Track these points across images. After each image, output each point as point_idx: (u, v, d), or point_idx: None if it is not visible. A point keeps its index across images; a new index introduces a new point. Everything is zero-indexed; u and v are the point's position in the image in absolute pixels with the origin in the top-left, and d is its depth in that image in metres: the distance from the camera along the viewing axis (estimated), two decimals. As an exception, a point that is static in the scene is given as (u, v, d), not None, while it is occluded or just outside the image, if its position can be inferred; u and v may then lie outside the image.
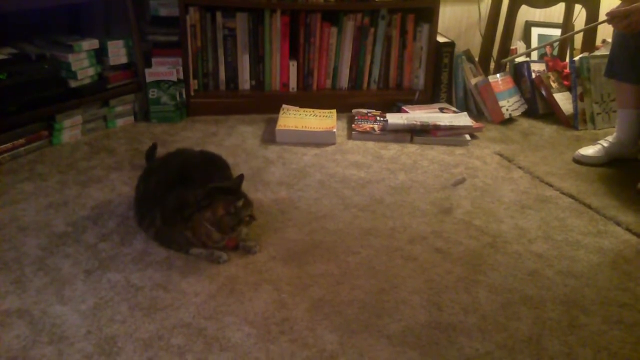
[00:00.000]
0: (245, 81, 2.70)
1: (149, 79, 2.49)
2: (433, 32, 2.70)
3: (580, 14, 2.96)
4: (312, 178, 2.07)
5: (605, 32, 2.81)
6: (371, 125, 2.49)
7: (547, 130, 2.61)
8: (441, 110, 2.64)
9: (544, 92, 2.72)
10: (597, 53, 2.67)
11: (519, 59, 2.85)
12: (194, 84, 2.64)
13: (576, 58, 2.67)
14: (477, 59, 2.92)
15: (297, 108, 2.60)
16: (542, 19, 3.35)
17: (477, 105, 2.75)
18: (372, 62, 2.76)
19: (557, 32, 3.18)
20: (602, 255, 1.66)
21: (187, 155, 1.85)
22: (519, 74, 2.80)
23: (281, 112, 2.54)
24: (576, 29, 2.95)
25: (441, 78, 2.78)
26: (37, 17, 2.43)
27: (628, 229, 1.78)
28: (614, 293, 1.49)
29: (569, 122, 2.64)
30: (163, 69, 2.50)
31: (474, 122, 2.49)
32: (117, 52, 2.43)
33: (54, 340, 1.26)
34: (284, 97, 2.69)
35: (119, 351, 1.23)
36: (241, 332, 1.30)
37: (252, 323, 1.33)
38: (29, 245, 1.60)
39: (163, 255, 1.58)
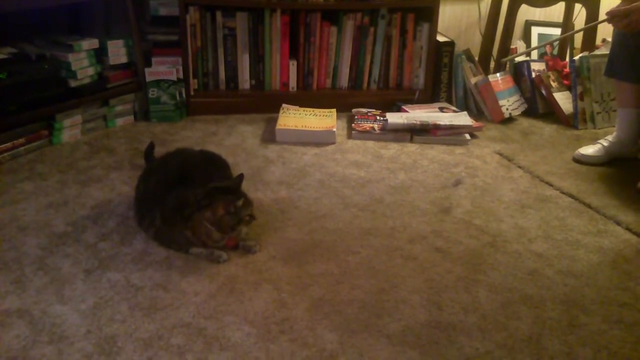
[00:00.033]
0: (245, 81, 2.70)
1: (148, 79, 2.49)
2: (433, 31, 2.70)
3: (580, 13, 2.96)
4: (312, 177, 2.07)
5: (605, 32, 2.81)
6: (371, 125, 2.49)
7: (547, 129, 2.61)
8: (441, 109, 2.64)
9: (544, 92, 2.72)
10: (597, 52, 2.67)
11: (519, 58, 2.85)
12: (193, 83, 2.64)
13: (576, 57, 2.67)
14: (477, 58, 2.92)
15: (297, 107, 2.60)
16: (542, 18, 3.34)
17: (477, 105, 2.75)
18: (372, 62, 2.76)
19: (557, 32, 3.18)
20: (602, 254, 1.66)
21: (187, 154, 1.85)
22: (519, 73, 2.80)
23: (281, 111, 2.54)
24: (576, 28, 2.95)
25: (441, 77, 2.78)
26: (37, 17, 2.43)
27: (628, 229, 1.78)
28: (614, 292, 1.49)
29: (569, 122, 2.64)
30: (163, 69, 2.50)
31: (474, 122, 2.49)
32: (117, 52, 2.43)
33: (54, 340, 1.26)
34: (283, 96, 2.69)
35: (119, 351, 1.23)
36: (241, 331, 1.30)
37: (252, 322, 1.33)
38: (28, 244, 1.60)
39: (163, 254, 1.58)
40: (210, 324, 1.32)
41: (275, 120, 2.47)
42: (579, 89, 2.61)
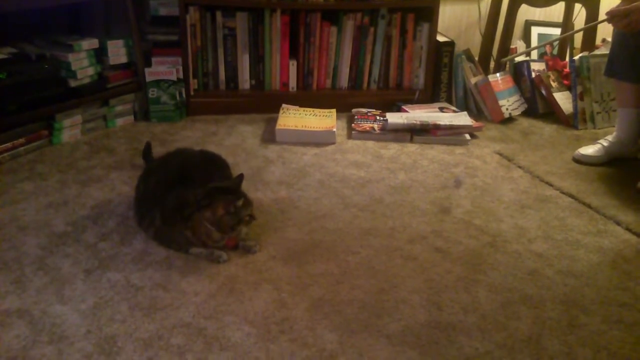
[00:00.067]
0: (245, 81, 2.70)
1: (148, 79, 2.49)
2: (433, 31, 2.70)
3: (580, 13, 2.96)
4: (311, 177, 2.07)
5: (605, 31, 2.81)
6: (371, 125, 2.49)
7: (547, 129, 2.61)
8: (441, 109, 2.64)
9: (543, 92, 2.72)
10: (597, 52, 2.67)
11: (518, 58, 2.85)
12: (193, 83, 2.64)
13: (576, 57, 2.67)
14: (477, 58, 2.92)
15: (297, 107, 2.60)
16: (542, 18, 3.34)
17: (477, 105, 2.75)
18: (372, 62, 2.76)
19: (557, 32, 3.18)
20: (602, 254, 1.66)
21: (187, 154, 1.85)
22: (518, 73, 2.80)
23: (281, 111, 2.54)
24: (576, 28, 2.95)
25: (441, 77, 2.78)
26: (37, 17, 2.43)
27: (628, 229, 1.78)
28: (614, 293, 1.49)
29: (568, 122, 2.64)
30: (163, 69, 2.50)
31: (474, 122, 2.49)
32: (117, 52, 2.43)
33: (53, 340, 1.26)
34: (283, 96, 2.69)
35: (119, 351, 1.23)
36: (241, 331, 1.30)
37: (252, 322, 1.33)
38: (28, 244, 1.60)
39: (163, 254, 1.58)
40: (210, 324, 1.32)
41: (275, 120, 2.47)
42: (579, 88, 2.61)
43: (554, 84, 2.72)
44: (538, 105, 2.74)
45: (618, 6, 1.98)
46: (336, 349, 1.26)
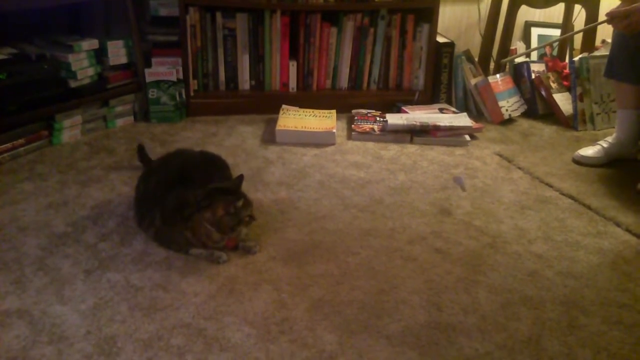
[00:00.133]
0: (245, 81, 2.71)
1: (148, 79, 2.49)
2: (433, 32, 2.70)
3: (580, 14, 2.97)
4: (311, 178, 2.07)
5: (605, 33, 2.81)
6: (371, 126, 2.49)
7: (546, 130, 2.61)
8: (441, 110, 2.64)
9: (543, 93, 2.72)
10: (596, 53, 2.67)
11: (518, 59, 2.85)
12: (193, 84, 2.64)
13: (576, 58, 2.67)
14: (476, 59, 2.92)
15: (297, 108, 2.60)
16: (541, 19, 3.35)
17: (477, 106, 2.75)
18: (371, 63, 2.76)
19: (556, 33, 3.18)
20: (601, 256, 1.66)
21: (187, 155, 1.85)
22: (518, 74, 2.80)
23: (281, 112, 2.54)
24: (576, 29, 2.95)
25: (441, 78, 2.78)
26: (37, 17, 2.43)
27: (628, 230, 1.79)
28: (614, 294, 1.49)
29: (568, 123, 2.65)
30: (163, 69, 2.50)
31: (474, 123, 2.49)
32: (117, 52, 2.43)
33: (53, 340, 1.26)
34: (283, 97, 2.69)
35: (119, 351, 1.23)
36: (241, 332, 1.30)
37: (251, 323, 1.33)
38: (28, 245, 1.60)
39: (163, 255, 1.58)
40: (210, 325, 1.32)
41: (275, 121, 2.47)
42: (579, 90, 2.61)
43: (553, 85, 2.72)
44: (538, 107, 2.74)
45: (618, 7, 1.99)
46: (336, 349, 1.26)
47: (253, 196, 1.74)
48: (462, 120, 2.48)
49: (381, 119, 2.54)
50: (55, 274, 1.48)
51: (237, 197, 1.54)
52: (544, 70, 2.77)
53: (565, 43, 3.07)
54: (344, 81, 2.77)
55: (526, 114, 2.75)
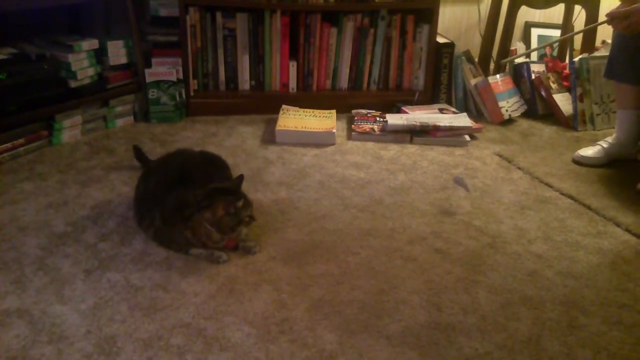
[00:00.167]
0: (245, 81, 2.71)
1: (148, 79, 2.49)
2: (433, 32, 2.70)
3: (580, 15, 2.97)
4: (311, 178, 2.07)
5: (605, 33, 2.81)
6: (371, 126, 2.49)
7: (546, 131, 2.61)
8: (441, 110, 2.64)
9: (543, 93, 2.72)
10: (596, 54, 2.68)
11: (518, 60, 2.85)
12: (193, 84, 2.64)
13: (576, 59, 2.67)
14: (476, 60, 2.92)
15: (296, 108, 2.60)
16: (541, 20, 3.35)
17: (477, 106, 2.75)
18: (372, 63, 2.76)
19: (556, 33, 3.19)
20: (601, 256, 1.66)
21: (187, 155, 1.85)
22: (518, 74, 2.80)
23: (281, 112, 2.54)
24: (576, 29, 2.95)
25: (441, 79, 2.78)
26: (37, 17, 2.43)
27: (627, 230, 1.79)
28: (614, 294, 1.49)
29: (568, 123, 2.65)
30: (163, 69, 2.50)
31: (474, 123, 2.49)
32: (117, 52, 2.43)
33: (53, 339, 1.26)
34: (283, 97, 2.69)
35: (119, 351, 1.23)
36: (241, 332, 1.30)
37: (251, 323, 1.33)
38: (28, 245, 1.60)
39: (163, 255, 1.58)
40: (210, 325, 1.32)
41: (275, 121, 2.47)
42: (579, 90, 2.61)
43: (553, 86, 2.72)
44: (538, 107, 2.74)
45: (618, 8, 1.99)
46: (336, 349, 1.26)
47: (253, 196, 1.75)
48: (462, 120, 2.48)
49: (381, 119, 2.54)
50: (55, 274, 1.48)
51: (237, 197, 1.54)
52: (544, 71, 2.77)
53: (565, 43, 3.07)
54: (344, 81, 2.77)
55: (526, 115, 2.75)
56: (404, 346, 1.28)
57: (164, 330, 1.29)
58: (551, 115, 2.72)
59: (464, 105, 2.79)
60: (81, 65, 2.29)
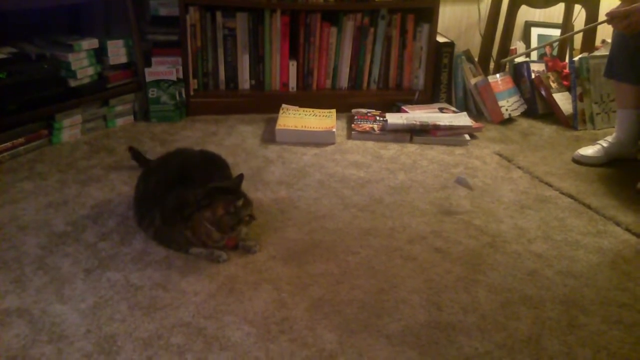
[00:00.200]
0: (245, 81, 2.71)
1: (148, 79, 2.49)
2: (433, 32, 2.70)
3: (580, 14, 2.97)
4: (311, 178, 2.07)
5: (605, 33, 2.81)
6: (371, 125, 2.49)
7: (546, 130, 2.61)
8: (441, 110, 2.64)
9: (543, 92, 2.72)
10: (596, 53, 2.67)
11: (518, 59, 2.85)
12: (193, 83, 2.64)
13: (576, 58, 2.67)
14: (476, 59, 2.92)
15: (296, 108, 2.60)
16: (541, 19, 3.35)
17: (477, 105, 2.75)
18: (371, 62, 2.76)
19: (556, 32, 3.19)
20: (601, 255, 1.66)
21: (187, 154, 1.85)
22: (518, 74, 2.80)
23: (281, 111, 2.54)
24: (576, 29, 2.95)
25: (441, 78, 2.78)
26: (37, 17, 2.43)
27: (627, 229, 1.79)
28: (613, 293, 1.49)
29: (568, 122, 2.65)
30: (163, 69, 2.50)
31: (474, 122, 2.49)
32: (117, 52, 2.43)
33: (53, 339, 1.26)
34: (283, 96, 2.69)
35: (119, 350, 1.23)
36: (241, 331, 1.30)
37: (251, 322, 1.33)
38: (28, 244, 1.60)
39: (162, 254, 1.58)
40: (210, 324, 1.32)
41: (275, 120, 2.47)
42: (579, 89, 2.61)
43: (553, 85, 2.72)
44: (538, 106, 2.74)
45: (618, 7, 1.99)
46: (336, 349, 1.26)
47: (253, 195, 1.75)
48: (462, 119, 2.48)
49: (381, 119, 2.54)
50: (55, 273, 1.48)
51: (237, 197, 1.54)
52: (543, 70, 2.77)
53: (565, 43, 3.08)
54: (344, 81, 2.77)
55: (526, 114, 2.75)
56: (404, 345, 1.28)
57: (164, 330, 1.29)
58: (551, 114, 2.72)
59: (464, 104, 2.79)
60: (81, 64, 2.29)
